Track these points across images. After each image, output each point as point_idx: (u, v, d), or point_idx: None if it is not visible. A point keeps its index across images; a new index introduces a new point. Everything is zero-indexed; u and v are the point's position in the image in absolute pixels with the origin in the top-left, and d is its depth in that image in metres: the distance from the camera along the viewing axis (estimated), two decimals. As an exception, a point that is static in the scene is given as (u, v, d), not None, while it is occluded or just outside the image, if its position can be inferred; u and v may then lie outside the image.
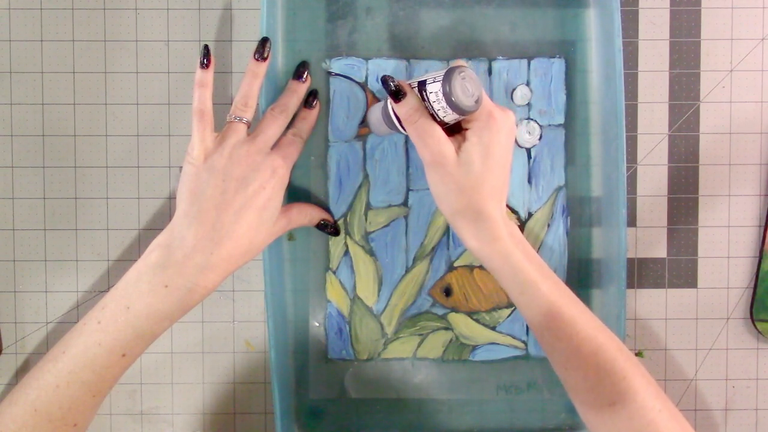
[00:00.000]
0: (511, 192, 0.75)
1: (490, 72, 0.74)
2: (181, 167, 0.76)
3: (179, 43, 0.76)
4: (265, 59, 0.69)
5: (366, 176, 0.74)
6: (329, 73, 0.74)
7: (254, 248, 0.66)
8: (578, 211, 0.75)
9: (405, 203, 0.75)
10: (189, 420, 0.78)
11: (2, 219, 0.77)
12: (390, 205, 0.75)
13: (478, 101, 0.63)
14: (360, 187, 0.75)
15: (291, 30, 0.74)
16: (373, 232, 0.75)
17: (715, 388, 0.78)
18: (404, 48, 0.74)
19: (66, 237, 0.77)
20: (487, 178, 0.64)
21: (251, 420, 0.79)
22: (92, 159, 0.77)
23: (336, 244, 0.75)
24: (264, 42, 0.69)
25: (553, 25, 0.74)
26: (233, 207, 0.64)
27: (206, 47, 0.67)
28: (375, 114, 0.71)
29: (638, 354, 0.78)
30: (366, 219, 0.75)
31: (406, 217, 0.75)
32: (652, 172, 0.77)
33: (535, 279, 0.64)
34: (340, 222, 0.75)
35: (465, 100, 0.62)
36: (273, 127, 0.68)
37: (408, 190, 0.75)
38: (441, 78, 0.63)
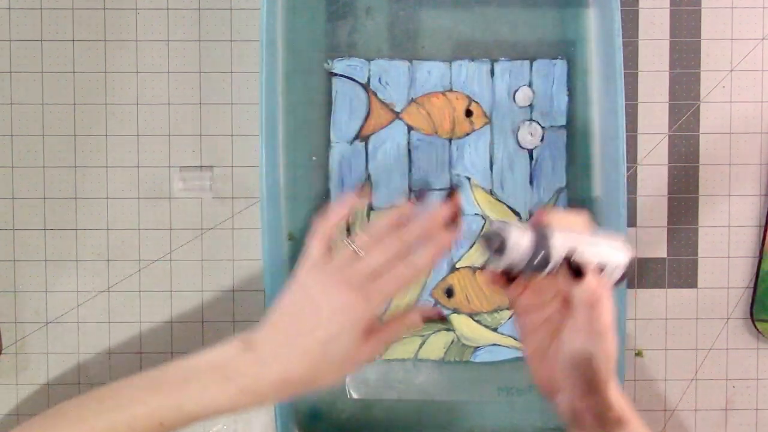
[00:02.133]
0: (512, 193, 0.75)
1: (492, 73, 0.74)
2: (180, 167, 0.76)
3: (179, 43, 0.76)
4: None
5: (368, 177, 0.74)
6: (331, 74, 0.74)
7: (317, 382, 0.60)
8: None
9: (407, 204, 0.75)
10: (189, 420, 0.78)
11: (2, 219, 0.77)
12: (392, 207, 0.75)
13: None
14: (362, 188, 0.75)
15: (291, 30, 0.74)
16: (376, 233, 0.75)
17: (715, 388, 0.79)
18: (404, 48, 0.74)
19: (66, 237, 0.77)
20: None
21: (251, 420, 0.78)
22: (92, 159, 0.77)
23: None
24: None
25: (553, 25, 0.74)
26: (300, 333, 0.60)
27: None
28: (521, 249, 0.54)
29: (638, 354, 0.78)
30: (368, 220, 0.75)
31: (408, 219, 0.75)
32: (652, 172, 0.77)
33: None
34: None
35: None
36: (375, 257, 0.61)
37: (410, 191, 0.75)
38: (617, 256, 0.57)
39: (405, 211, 0.62)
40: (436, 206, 0.61)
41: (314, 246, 0.62)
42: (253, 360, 0.60)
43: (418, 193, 0.65)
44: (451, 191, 0.64)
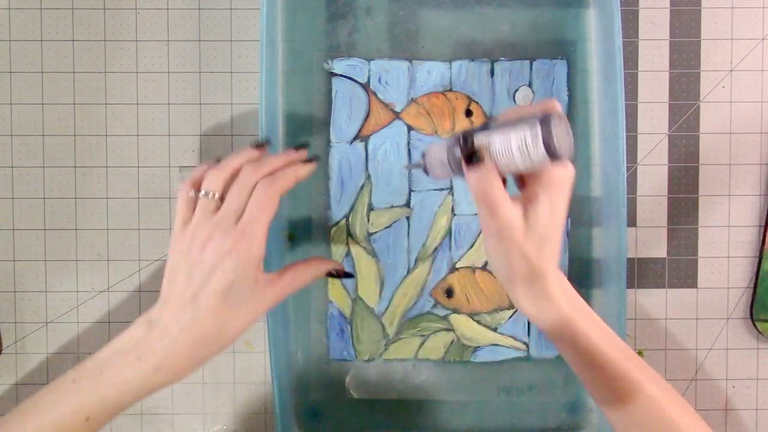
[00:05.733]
0: (512, 193, 0.74)
1: (492, 73, 0.74)
2: (180, 167, 0.76)
3: (179, 43, 0.76)
4: (262, 147, 0.65)
5: (368, 177, 0.74)
6: (331, 74, 0.74)
7: (227, 333, 0.61)
8: (578, 211, 0.75)
9: (407, 204, 0.75)
10: (189, 420, 0.78)
11: (2, 219, 0.77)
12: (392, 206, 0.75)
13: (572, 144, 0.55)
14: (362, 188, 0.75)
15: (291, 30, 0.74)
16: (375, 233, 0.75)
17: (715, 388, 0.79)
18: (404, 48, 0.74)
19: (66, 237, 0.77)
20: (550, 242, 0.58)
21: (251, 420, 0.79)
22: (92, 159, 0.77)
23: (338, 245, 0.75)
24: (266, 141, 0.66)
25: (553, 26, 0.74)
26: (191, 293, 0.60)
27: (267, 140, 0.65)
28: (438, 155, 0.61)
29: (638, 354, 0.78)
30: (368, 220, 0.75)
31: (408, 218, 0.75)
32: (652, 172, 0.77)
33: (596, 345, 0.59)
34: (342, 223, 0.75)
35: (564, 147, 0.54)
36: (239, 197, 0.62)
37: (410, 191, 0.75)
38: (529, 124, 0.55)
39: (254, 155, 0.64)
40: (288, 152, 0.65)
41: (178, 211, 0.63)
42: (159, 335, 0.61)
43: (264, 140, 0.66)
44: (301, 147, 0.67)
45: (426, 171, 0.62)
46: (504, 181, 0.58)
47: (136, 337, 0.61)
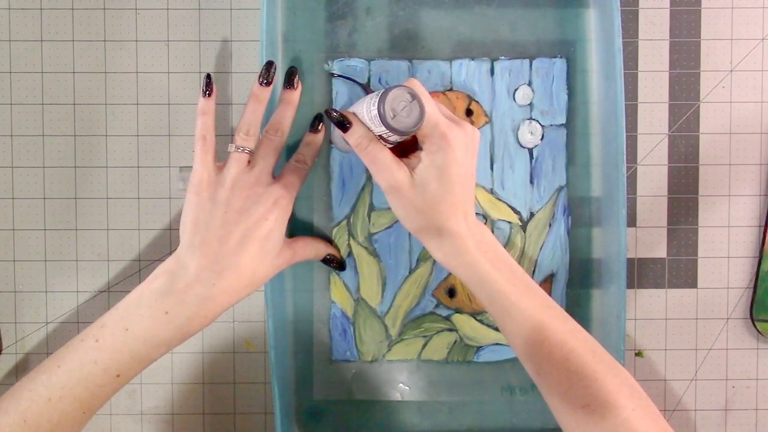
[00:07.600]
0: (513, 192, 0.75)
1: (492, 72, 0.74)
2: (180, 167, 0.76)
3: (179, 43, 0.76)
4: (269, 84, 0.68)
5: (369, 177, 0.74)
6: (331, 75, 0.74)
7: (257, 280, 0.65)
8: (578, 211, 0.75)
9: (407, 204, 0.75)
10: (189, 420, 0.78)
11: (2, 219, 0.77)
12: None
13: (419, 120, 0.62)
14: (363, 188, 0.74)
15: (291, 30, 0.74)
16: (377, 233, 0.75)
17: (715, 388, 0.79)
18: (404, 48, 0.74)
19: (66, 237, 0.77)
20: (445, 197, 0.64)
21: (251, 420, 0.79)
22: (92, 159, 0.76)
23: (339, 245, 0.75)
24: (269, 66, 0.68)
25: (554, 25, 0.74)
26: (235, 239, 0.64)
27: (208, 76, 0.66)
28: (337, 132, 0.70)
29: (638, 354, 0.78)
30: (369, 220, 0.75)
31: (409, 218, 0.75)
32: (652, 172, 0.77)
33: (503, 288, 0.64)
34: (343, 223, 0.75)
35: (402, 120, 0.62)
36: (271, 153, 0.68)
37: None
38: (375, 94, 0.63)
39: (264, 97, 0.69)
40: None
41: (201, 162, 0.66)
42: (189, 285, 0.63)
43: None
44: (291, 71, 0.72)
45: (336, 146, 0.74)
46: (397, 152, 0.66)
47: (159, 291, 0.63)
